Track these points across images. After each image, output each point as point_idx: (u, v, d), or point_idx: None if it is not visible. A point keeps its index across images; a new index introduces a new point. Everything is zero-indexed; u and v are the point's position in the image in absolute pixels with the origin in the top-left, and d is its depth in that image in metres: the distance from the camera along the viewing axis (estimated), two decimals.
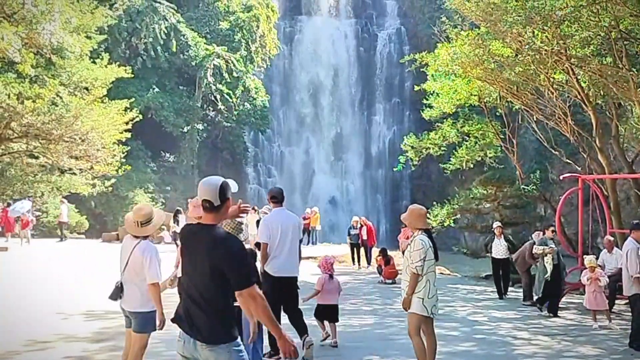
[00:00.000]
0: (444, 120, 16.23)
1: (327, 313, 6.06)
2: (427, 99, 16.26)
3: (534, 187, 14.38)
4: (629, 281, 6.56)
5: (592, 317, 8.04)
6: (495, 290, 10.60)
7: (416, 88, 16.69)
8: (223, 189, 2.82)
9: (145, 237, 4.26)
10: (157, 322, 4.19)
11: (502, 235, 10.44)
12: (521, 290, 10.44)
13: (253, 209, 14.17)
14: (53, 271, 12.07)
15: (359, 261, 14.59)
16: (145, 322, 4.19)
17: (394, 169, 18.41)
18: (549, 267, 8.70)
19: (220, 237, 2.77)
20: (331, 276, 6.11)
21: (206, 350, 2.71)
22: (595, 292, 7.92)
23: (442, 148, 16.69)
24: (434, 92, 15.66)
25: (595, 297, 7.91)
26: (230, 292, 2.71)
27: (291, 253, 5.26)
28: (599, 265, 9.32)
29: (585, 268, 8.19)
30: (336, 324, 6.18)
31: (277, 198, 5.47)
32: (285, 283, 5.25)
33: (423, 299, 4.66)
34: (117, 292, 4.25)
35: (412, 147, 16.66)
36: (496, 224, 10.81)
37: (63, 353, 5.66)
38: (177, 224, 17.02)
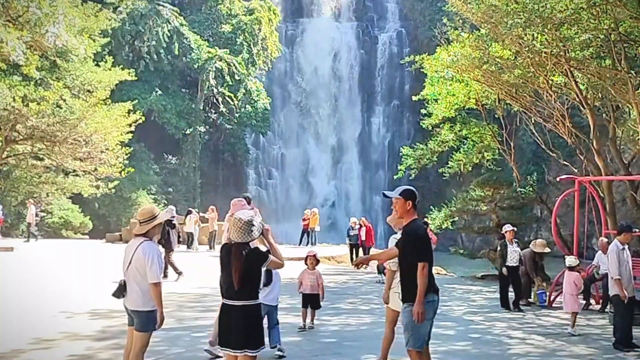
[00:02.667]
0: (443, 124, 16.41)
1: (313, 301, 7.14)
2: (425, 107, 16.46)
3: (531, 188, 14.51)
4: (612, 281, 6.70)
5: (572, 321, 7.64)
6: (500, 299, 9.35)
7: (415, 98, 16.89)
8: None
9: (149, 238, 4.38)
10: (157, 321, 4.27)
11: (514, 240, 9.27)
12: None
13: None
14: (57, 271, 12.23)
15: None
16: (146, 321, 4.28)
17: (395, 177, 18.66)
18: None
19: (417, 227, 4.27)
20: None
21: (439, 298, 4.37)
22: (575, 295, 7.66)
23: (440, 152, 16.87)
24: (432, 97, 15.83)
25: (573, 300, 7.62)
26: None
27: None
28: (595, 266, 9.39)
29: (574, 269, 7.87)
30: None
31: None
32: None
33: (399, 293, 4.95)
34: (121, 290, 4.38)
35: (409, 156, 16.92)
36: (508, 228, 9.39)
37: (67, 351, 5.77)
38: (194, 224, 17.46)
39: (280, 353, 5.68)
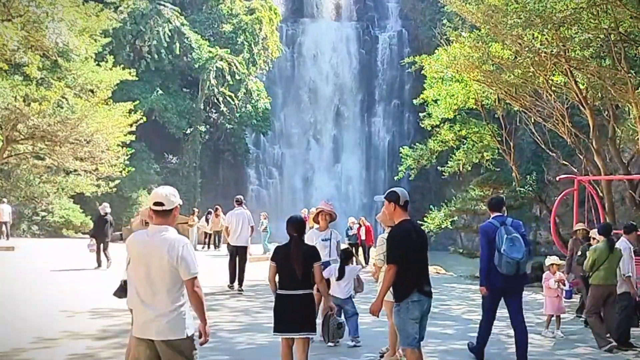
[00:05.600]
0: (442, 124, 16.47)
1: None
2: (425, 109, 16.54)
3: (530, 188, 14.56)
4: (620, 279, 6.74)
5: (548, 322, 7.35)
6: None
7: (415, 101, 16.98)
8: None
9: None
10: None
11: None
12: None
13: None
14: (58, 270, 12.28)
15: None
16: None
17: (395, 178, 18.80)
18: None
19: (393, 230, 4.40)
20: None
21: (431, 302, 4.40)
22: (558, 296, 7.27)
23: (440, 152, 16.95)
24: (431, 99, 15.90)
25: (556, 301, 7.28)
26: None
27: (241, 232, 9.63)
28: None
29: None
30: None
31: (239, 201, 10.09)
32: (237, 248, 9.60)
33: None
34: (122, 290, 4.42)
35: (409, 156, 17.01)
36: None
37: (68, 350, 5.80)
38: (207, 223, 17.81)
39: (353, 343, 5.94)
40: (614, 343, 6.44)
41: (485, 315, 5.68)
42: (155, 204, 3.33)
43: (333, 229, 6.46)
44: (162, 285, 3.23)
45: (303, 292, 4.44)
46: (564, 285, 7.52)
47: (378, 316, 4.47)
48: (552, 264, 7.47)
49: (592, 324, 6.79)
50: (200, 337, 3.37)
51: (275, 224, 19.23)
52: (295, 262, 4.40)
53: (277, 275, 4.55)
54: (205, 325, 3.42)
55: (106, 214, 13.00)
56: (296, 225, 4.56)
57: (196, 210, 20.07)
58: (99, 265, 12.55)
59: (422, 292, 4.23)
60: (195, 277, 3.30)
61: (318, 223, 6.35)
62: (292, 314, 4.42)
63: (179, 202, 3.39)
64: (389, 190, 4.49)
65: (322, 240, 6.21)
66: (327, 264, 5.99)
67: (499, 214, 5.57)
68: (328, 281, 5.80)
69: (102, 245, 12.67)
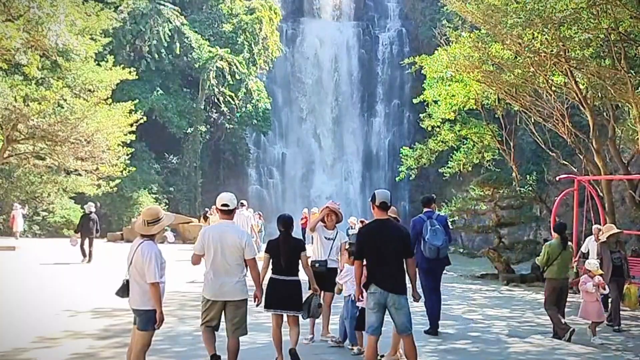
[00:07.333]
0: (442, 124, 16.49)
1: None
2: (425, 110, 16.54)
3: (530, 188, 14.59)
4: None
5: (592, 330, 7.15)
6: None
7: (415, 101, 17.00)
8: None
9: (150, 237, 4.40)
10: (157, 321, 4.27)
11: None
12: (516, 288, 10.57)
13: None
14: (59, 269, 12.31)
15: None
16: (147, 320, 4.30)
17: (396, 179, 18.85)
18: None
19: (401, 227, 4.81)
20: None
21: (395, 296, 4.53)
22: (596, 301, 7.12)
23: (439, 152, 16.96)
24: (431, 100, 15.91)
25: (596, 307, 7.08)
26: None
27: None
28: (584, 254, 9.34)
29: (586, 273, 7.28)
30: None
31: (242, 204, 10.77)
32: None
33: None
34: (124, 289, 4.43)
35: (409, 157, 17.02)
36: None
37: (70, 350, 5.81)
38: (206, 222, 18.04)
39: (355, 350, 5.75)
40: (572, 328, 6.95)
41: (426, 294, 6.65)
42: (223, 205, 4.74)
43: (340, 229, 6.45)
44: (232, 261, 4.61)
45: (292, 279, 5.17)
46: (604, 289, 7.23)
47: (358, 300, 4.97)
48: (594, 271, 7.11)
49: (550, 315, 7.25)
50: (254, 300, 4.67)
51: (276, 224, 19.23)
52: (281, 253, 5.14)
53: (270, 263, 5.26)
54: (260, 291, 4.74)
55: (91, 212, 13.72)
56: (284, 222, 5.32)
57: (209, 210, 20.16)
58: (84, 257, 13.34)
59: (379, 286, 4.53)
60: (255, 257, 4.66)
61: (324, 222, 6.31)
62: (282, 295, 5.13)
63: (235, 205, 4.73)
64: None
65: (326, 238, 6.15)
66: (324, 263, 5.99)
67: (428, 209, 6.62)
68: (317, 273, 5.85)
69: (87, 241, 13.39)
